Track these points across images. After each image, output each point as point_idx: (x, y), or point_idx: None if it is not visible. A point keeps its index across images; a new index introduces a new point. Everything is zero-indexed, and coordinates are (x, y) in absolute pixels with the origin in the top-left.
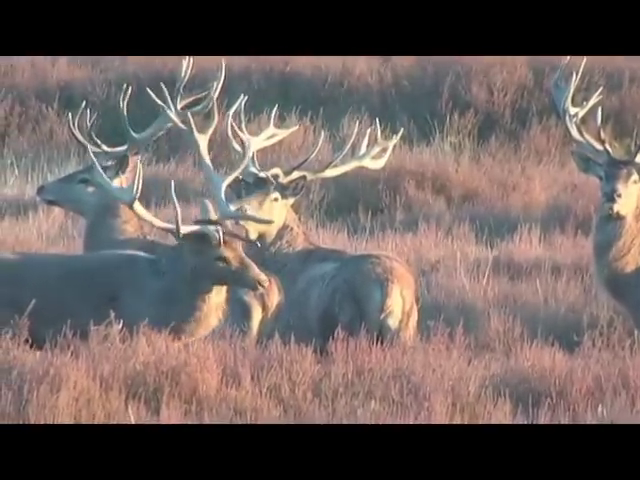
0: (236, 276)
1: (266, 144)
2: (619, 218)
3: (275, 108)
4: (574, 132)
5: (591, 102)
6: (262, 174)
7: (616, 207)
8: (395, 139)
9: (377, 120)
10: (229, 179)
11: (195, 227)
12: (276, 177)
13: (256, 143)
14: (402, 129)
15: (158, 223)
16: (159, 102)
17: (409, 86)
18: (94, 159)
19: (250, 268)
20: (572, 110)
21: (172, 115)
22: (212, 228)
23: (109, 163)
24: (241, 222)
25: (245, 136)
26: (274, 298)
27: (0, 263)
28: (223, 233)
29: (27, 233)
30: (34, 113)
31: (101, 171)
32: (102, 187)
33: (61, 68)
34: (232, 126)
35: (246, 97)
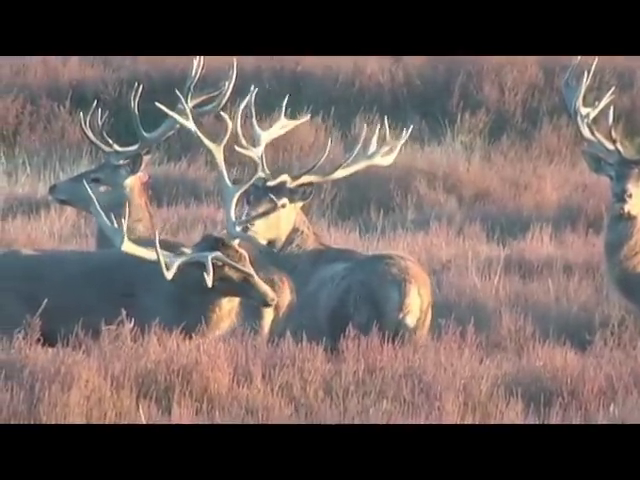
0: (242, 292)
1: (280, 133)
2: (630, 218)
3: (285, 100)
4: (585, 132)
5: (603, 102)
6: (270, 183)
7: (627, 207)
8: (404, 137)
9: (385, 119)
10: (240, 191)
11: (185, 258)
12: (283, 184)
13: (266, 136)
14: (411, 126)
15: (152, 256)
16: (170, 113)
17: (420, 85)
18: (93, 198)
19: (257, 285)
20: (583, 110)
21: (187, 123)
22: (209, 255)
23: (121, 162)
24: (250, 231)
25: (256, 130)
26: (286, 298)
27: (19, 259)
28: (218, 263)
29: (39, 232)
30: (46, 112)
31: (98, 208)
32: (100, 221)
33: (73, 67)
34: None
35: (256, 89)
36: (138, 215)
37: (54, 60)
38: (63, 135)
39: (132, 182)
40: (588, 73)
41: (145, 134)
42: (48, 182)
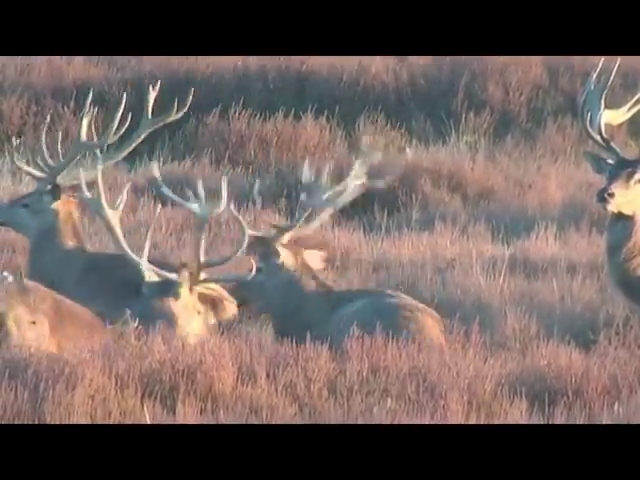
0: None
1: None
2: (624, 218)
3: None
4: (599, 136)
5: (634, 108)
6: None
7: (609, 207)
8: (378, 154)
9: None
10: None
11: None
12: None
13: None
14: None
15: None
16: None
17: (425, 85)
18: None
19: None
20: (608, 113)
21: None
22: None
23: (48, 188)
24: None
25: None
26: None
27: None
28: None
29: None
30: (50, 112)
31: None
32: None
33: (77, 67)
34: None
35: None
36: (65, 232)
37: (58, 60)
38: (67, 135)
39: (57, 207)
40: (610, 74)
41: (51, 163)
42: None
